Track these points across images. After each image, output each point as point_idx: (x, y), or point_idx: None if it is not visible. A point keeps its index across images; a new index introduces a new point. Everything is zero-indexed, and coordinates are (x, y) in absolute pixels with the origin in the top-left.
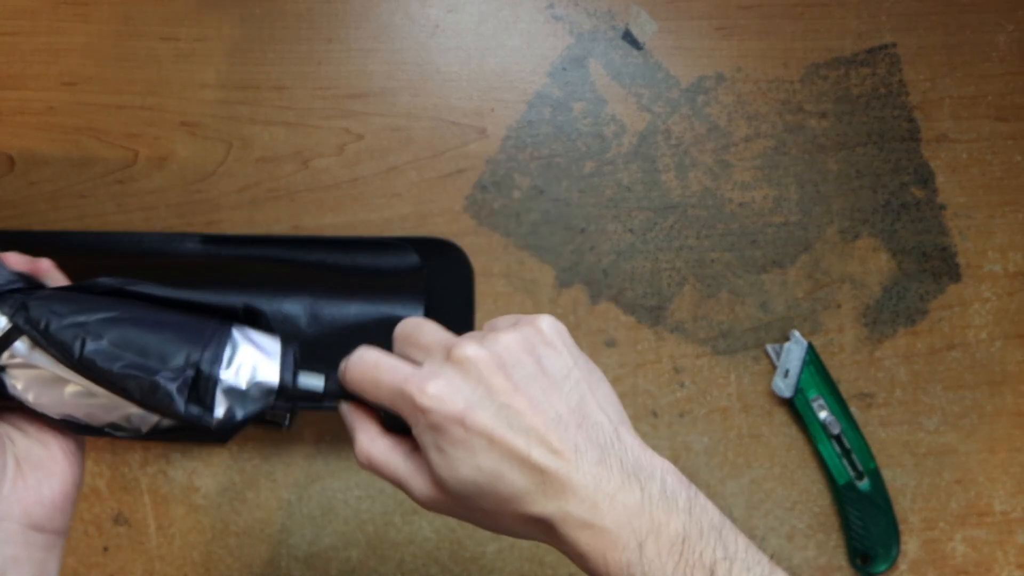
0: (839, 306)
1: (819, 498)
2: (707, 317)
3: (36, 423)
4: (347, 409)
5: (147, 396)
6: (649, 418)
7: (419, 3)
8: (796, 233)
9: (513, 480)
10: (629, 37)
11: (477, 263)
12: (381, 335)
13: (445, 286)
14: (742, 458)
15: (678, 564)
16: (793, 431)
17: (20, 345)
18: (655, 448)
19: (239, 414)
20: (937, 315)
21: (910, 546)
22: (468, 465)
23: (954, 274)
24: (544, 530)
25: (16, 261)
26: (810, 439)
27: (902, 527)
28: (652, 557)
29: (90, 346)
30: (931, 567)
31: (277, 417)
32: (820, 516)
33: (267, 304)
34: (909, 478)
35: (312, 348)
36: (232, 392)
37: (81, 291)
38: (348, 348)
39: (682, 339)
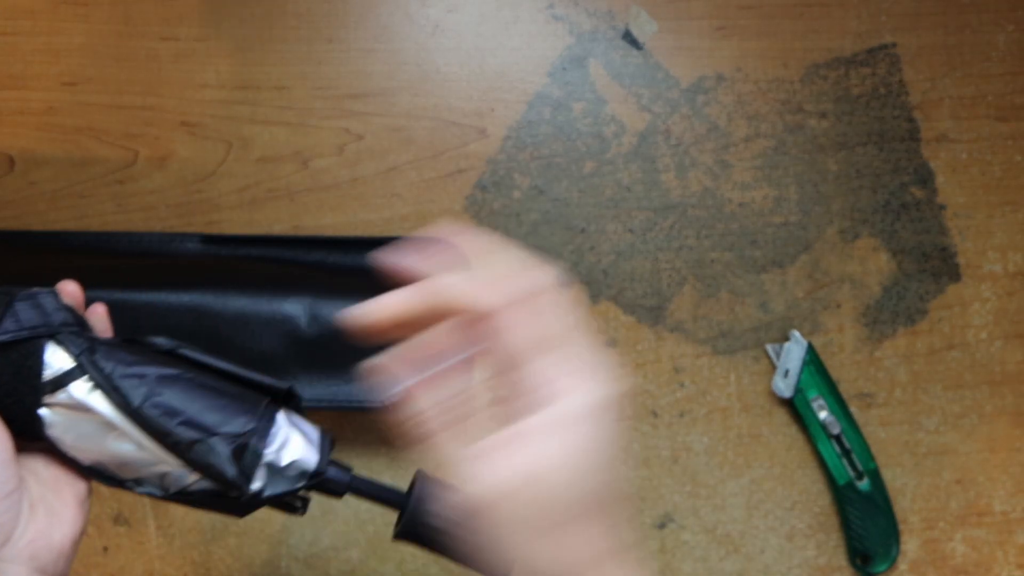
0: (839, 306)
1: (819, 498)
2: (707, 317)
3: (53, 468)
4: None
5: (199, 455)
6: (649, 418)
7: (419, 3)
8: (796, 233)
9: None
10: (629, 37)
11: None
12: None
13: None
14: (742, 458)
15: None
16: (793, 431)
17: (77, 386)
18: (655, 448)
19: (269, 490)
20: (937, 315)
21: (910, 546)
22: (583, 450)
23: (954, 274)
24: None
25: (72, 291)
26: (810, 439)
27: (902, 527)
28: None
29: (151, 399)
30: (931, 567)
31: (296, 500)
32: (820, 516)
33: (267, 304)
34: (909, 478)
35: (312, 348)
36: (271, 468)
37: (134, 344)
38: (348, 348)
39: (682, 339)
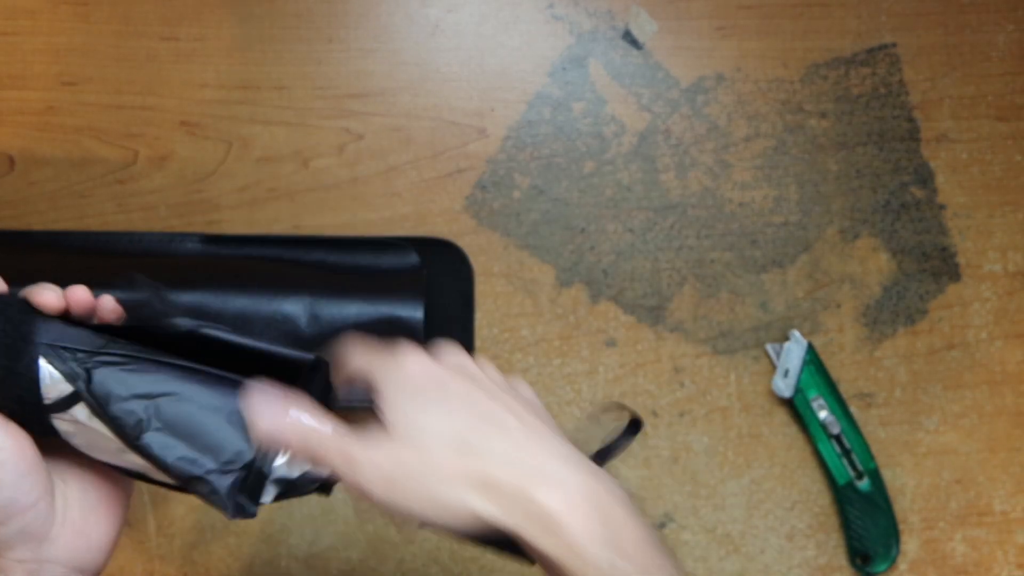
0: (839, 306)
1: (819, 498)
2: (707, 317)
3: (87, 466)
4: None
5: (200, 492)
6: (649, 418)
7: (419, 3)
8: (796, 233)
9: (484, 440)
10: (629, 37)
11: (477, 263)
12: (381, 335)
13: (445, 286)
14: (742, 458)
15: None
16: (793, 431)
17: (79, 410)
18: (655, 448)
19: (282, 497)
20: (937, 315)
21: (910, 546)
22: (437, 414)
23: (954, 274)
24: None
25: (80, 299)
26: (810, 439)
27: (902, 527)
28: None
29: (147, 435)
30: (931, 567)
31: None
32: (820, 516)
33: (267, 304)
34: (909, 478)
35: (312, 348)
36: (281, 482)
37: (153, 330)
38: None
39: (682, 339)
